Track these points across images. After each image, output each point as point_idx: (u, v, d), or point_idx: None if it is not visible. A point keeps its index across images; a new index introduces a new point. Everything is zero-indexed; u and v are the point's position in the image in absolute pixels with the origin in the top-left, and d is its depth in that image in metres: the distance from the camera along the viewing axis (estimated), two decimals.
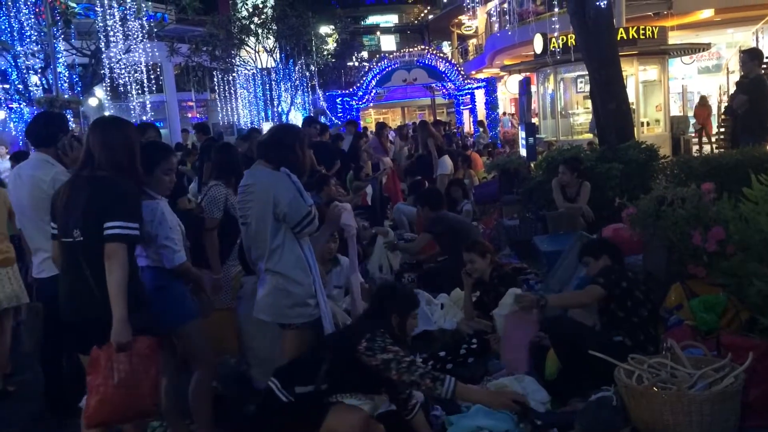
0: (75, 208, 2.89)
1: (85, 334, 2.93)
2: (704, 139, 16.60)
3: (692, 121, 16.92)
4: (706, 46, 16.50)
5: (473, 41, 33.94)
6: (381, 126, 12.27)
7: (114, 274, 2.76)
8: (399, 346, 3.05)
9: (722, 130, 13.02)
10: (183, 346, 3.46)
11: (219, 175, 4.53)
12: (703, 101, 17.31)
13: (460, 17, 33.41)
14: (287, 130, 3.80)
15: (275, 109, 24.50)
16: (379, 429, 3.13)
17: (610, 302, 3.67)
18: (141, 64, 15.73)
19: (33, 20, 13.18)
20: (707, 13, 16.78)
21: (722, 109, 15.01)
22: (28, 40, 13.28)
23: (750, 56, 7.37)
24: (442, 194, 6.96)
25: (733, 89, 9.94)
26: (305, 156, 3.59)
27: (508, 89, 24.25)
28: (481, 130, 21.41)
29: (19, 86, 13.97)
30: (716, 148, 13.22)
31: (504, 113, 24.53)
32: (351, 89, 24.64)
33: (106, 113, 18.65)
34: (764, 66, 7.46)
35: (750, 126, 7.00)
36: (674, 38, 16.11)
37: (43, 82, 14.02)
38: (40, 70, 13.99)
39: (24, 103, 14.06)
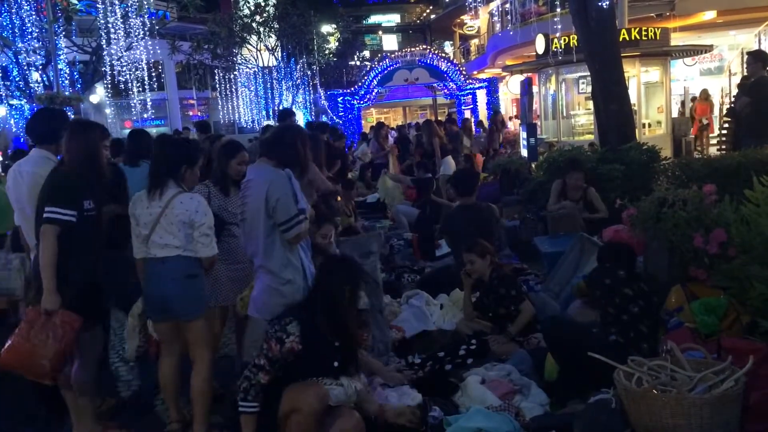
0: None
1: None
2: (705, 141, 15.83)
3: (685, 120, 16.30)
4: (708, 48, 16.45)
5: (475, 41, 33.95)
6: (379, 126, 12.24)
7: (44, 251, 3.22)
8: (349, 318, 3.22)
9: (724, 131, 12.99)
10: (193, 334, 3.58)
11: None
12: (705, 95, 16.38)
13: (462, 17, 33.41)
14: (288, 128, 3.89)
15: (276, 108, 24.50)
16: (354, 417, 3.13)
17: (601, 299, 3.76)
18: (142, 61, 15.72)
19: (34, 17, 13.18)
20: (710, 15, 16.76)
21: (724, 111, 14.94)
22: (29, 36, 13.30)
23: (755, 58, 7.33)
24: (473, 181, 6.65)
25: (735, 91, 9.92)
26: (306, 153, 3.62)
27: (509, 89, 24.23)
28: (481, 130, 21.38)
29: (20, 83, 13.98)
30: (717, 149, 13.15)
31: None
32: (352, 88, 24.62)
33: (107, 111, 18.67)
34: None
35: (754, 128, 6.96)
36: (676, 40, 16.09)
37: (44, 79, 14.01)
38: (41, 67, 13.99)
39: (25, 100, 14.07)
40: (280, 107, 24.14)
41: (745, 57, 7.98)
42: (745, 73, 13.33)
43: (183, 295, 3.47)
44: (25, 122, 13.65)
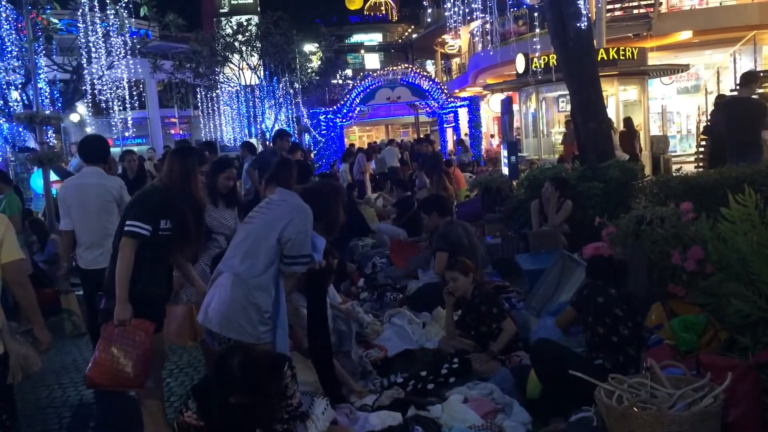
0: None
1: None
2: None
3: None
4: (684, 67, 16.77)
5: (456, 60, 34.30)
6: (369, 149, 12.39)
7: (120, 262, 3.40)
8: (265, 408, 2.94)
9: (701, 149, 13.17)
10: None
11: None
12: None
13: (443, 36, 33.74)
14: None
15: (259, 126, 24.47)
16: None
17: (588, 316, 3.70)
18: (123, 80, 15.65)
19: (14, 36, 13.06)
20: (686, 35, 17.09)
21: (701, 129, 15.17)
22: (8, 55, 13.16)
23: (745, 80, 7.44)
24: (448, 201, 6.81)
25: (711, 110, 10.04)
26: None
27: (490, 108, 24.44)
28: (461, 149, 21.50)
29: None
30: (695, 167, 13.33)
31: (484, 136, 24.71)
32: (335, 107, 24.68)
33: (88, 129, 18.52)
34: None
35: (733, 148, 7.00)
36: (654, 59, 16.37)
37: (24, 97, 13.87)
38: (20, 86, 13.85)
39: (3, 119, 13.91)
40: (263, 125, 24.15)
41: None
42: (722, 92, 13.54)
43: None
44: (4, 141, 13.47)
